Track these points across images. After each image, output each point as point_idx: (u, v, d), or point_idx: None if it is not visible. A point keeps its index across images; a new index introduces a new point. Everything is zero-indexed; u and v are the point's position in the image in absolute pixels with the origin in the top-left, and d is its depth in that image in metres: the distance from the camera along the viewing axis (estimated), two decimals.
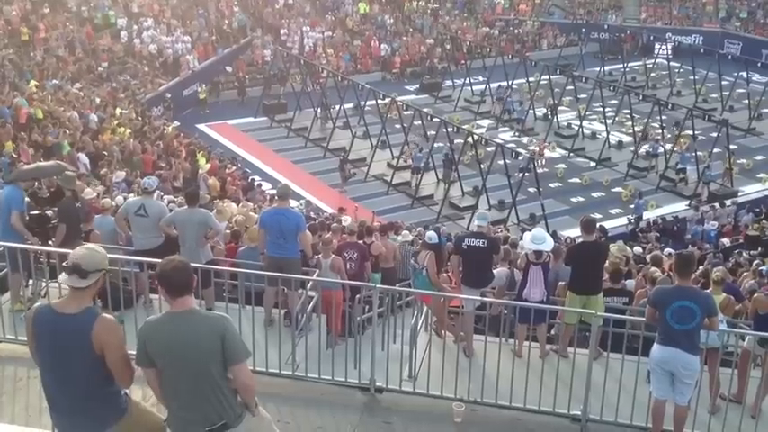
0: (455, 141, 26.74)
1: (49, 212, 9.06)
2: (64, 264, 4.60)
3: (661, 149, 28.10)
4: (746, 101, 33.83)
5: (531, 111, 32.83)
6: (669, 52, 40.31)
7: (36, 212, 8.97)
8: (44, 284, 8.40)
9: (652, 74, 39.04)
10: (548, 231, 12.94)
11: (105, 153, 20.51)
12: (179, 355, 4.41)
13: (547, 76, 33.19)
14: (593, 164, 28.65)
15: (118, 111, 25.49)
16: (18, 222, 8.36)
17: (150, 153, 21.84)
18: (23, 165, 14.38)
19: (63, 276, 4.55)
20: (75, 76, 29.14)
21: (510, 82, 34.10)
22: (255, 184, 23.85)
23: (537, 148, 28.51)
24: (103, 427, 4.59)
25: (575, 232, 19.14)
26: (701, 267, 11.82)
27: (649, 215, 23.86)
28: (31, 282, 8.27)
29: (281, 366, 7.32)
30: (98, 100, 26.12)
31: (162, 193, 14.68)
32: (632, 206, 24.29)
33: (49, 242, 8.73)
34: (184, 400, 4.49)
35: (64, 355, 4.47)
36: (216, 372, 4.44)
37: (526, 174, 24.50)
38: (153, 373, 4.54)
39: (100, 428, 4.59)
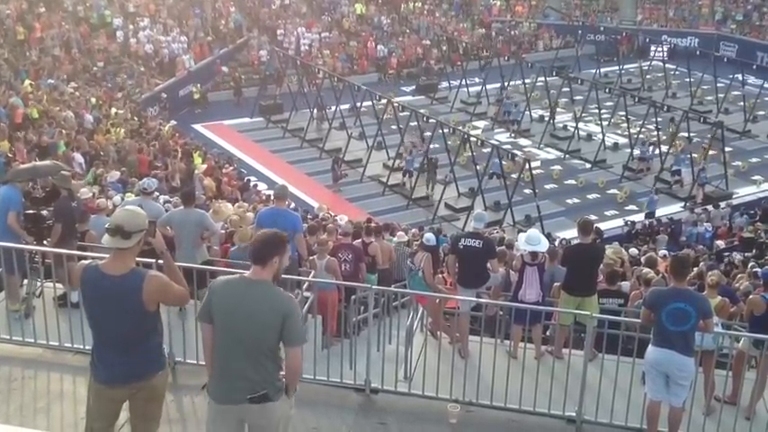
0: (449, 143, 26.74)
1: (44, 212, 9.05)
2: (106, 226, 4.79)
3: (650, 152, 28.17)
4: (742, 103, 33.87)
5: (528, 112, 32.87)
6: (665, 54, 40.32)
7: (31, 212, 8.95)
8: (39, 284, 8.39)
9: (648, 76, 39.10)
10: (543, 233, 12.95)
11: (102, 153, 20.49)
12: (238, 320, 4.56)
13: (543, 78, 33.24)
14: (588, 165, 28.69)
15: (113, 111, 25.45)
16: (15, 223, 8.33)
17: (146, 153, 21.81)
18: (19, 164, 14.35)
19: (106, 238, 4.72)
20: (70, 75, 29.10)
21: (507, 83, 34.16)
22: (251, 184, 23.85)
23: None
24: (145, 378, 4.79)
25: (570, 233, 19.20)
26: (695, 269, 11.86)
27: (641, 217, 23.96)
28: (25, 282, 8.25)
29: None
30: (94, 100, 26.07)
31: (158, 193, 14.65)
32: (645, 201, 24.61)
33: (44, 242, 8.71)
34: (231, 365, 4.63)
35: (111, 312, 4.68)
36: (267, 346, 4.59)
37: (496, 177, 24.95)
38: (209, 330, 4.71)
39: (141, 379, 4.78)
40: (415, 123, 27.50)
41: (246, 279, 4.67)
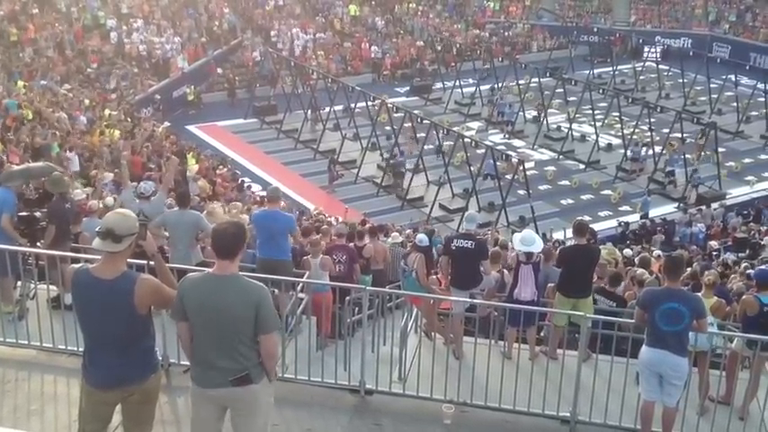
0: (443, 144, 26.76)
1: (38, 214, 9.01)
2: (97, 230, 4.75)
3: (643, 153, 28.24)
4: (735, 104, 33.99)
5: (521, 113, 32.92)
6: (658, 55, 40.43)
7: (24, 214, 8.92)
8: (32, 286, 8.36)
9: (641, 77, 39.12)
10: (537, 233, 12.95)
11: (96, 155, 20.40)
12: (212, 317, 4.62)
13: (537, 79, 33.28)
14: (582, 166, 28.74)
15: (107, 112, 25.39)
16: (8, 225, 8.30)
17: (139, 154, 21.73)
18: (12, 166, 14.27)
19: (97, 242, 4.71)
20: (64, 77, 29.02)
21: (501, 84, 34.21)
22: (245, 185, 23.80)
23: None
24: (138, 381, 4.79)
25: (563, 234, 19.24)
26: (689, 269, 11.88)
27: (636, 217, 24.00)
28: (19, 283, 8.23)
29: None
30: (87, 101, 26.00)
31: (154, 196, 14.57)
32: (638, 202, 24.72)
33: (38, 244, 8.69)
34: (210, 359, 4.71)
35: (103, 316, 4.67)
36: (245, 336, 4.66)
37: (490, 178, 24.92)
38: (185, 327, 4.78)
39: (133, 383, 4.78)
40: (409, 125, 27.52)
41: (215, 275, 4.71)
